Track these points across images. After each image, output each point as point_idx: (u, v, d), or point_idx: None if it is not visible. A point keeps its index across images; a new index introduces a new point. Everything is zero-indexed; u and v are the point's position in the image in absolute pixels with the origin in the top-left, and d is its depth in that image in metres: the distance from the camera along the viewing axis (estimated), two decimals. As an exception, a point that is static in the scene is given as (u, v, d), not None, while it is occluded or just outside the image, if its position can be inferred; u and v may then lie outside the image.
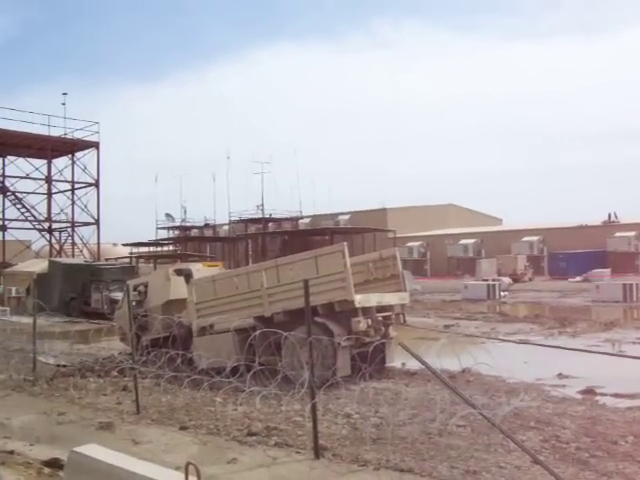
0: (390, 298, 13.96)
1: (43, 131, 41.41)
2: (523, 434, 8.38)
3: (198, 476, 3.02)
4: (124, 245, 68.37)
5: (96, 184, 43.31)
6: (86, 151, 43.78)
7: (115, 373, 14.09)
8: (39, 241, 47.32)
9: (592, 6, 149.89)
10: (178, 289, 16.05)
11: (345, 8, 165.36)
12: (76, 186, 44.36)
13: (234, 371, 11.59)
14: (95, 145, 43.41)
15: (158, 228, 77.65)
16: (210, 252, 78.92)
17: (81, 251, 44.36)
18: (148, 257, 67.10)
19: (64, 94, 45.68)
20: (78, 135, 43.72)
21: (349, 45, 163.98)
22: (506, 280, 44.30)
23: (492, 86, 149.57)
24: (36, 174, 43.70)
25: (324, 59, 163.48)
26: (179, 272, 16.43)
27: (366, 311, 13.10)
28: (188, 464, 3.06)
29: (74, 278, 31.56)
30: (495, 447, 7.90)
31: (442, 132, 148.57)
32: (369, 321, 13.07)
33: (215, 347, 13.67)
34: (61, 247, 44.46)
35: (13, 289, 35.74)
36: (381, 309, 13.64)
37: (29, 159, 43.40)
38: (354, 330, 12.79)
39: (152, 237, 76.44)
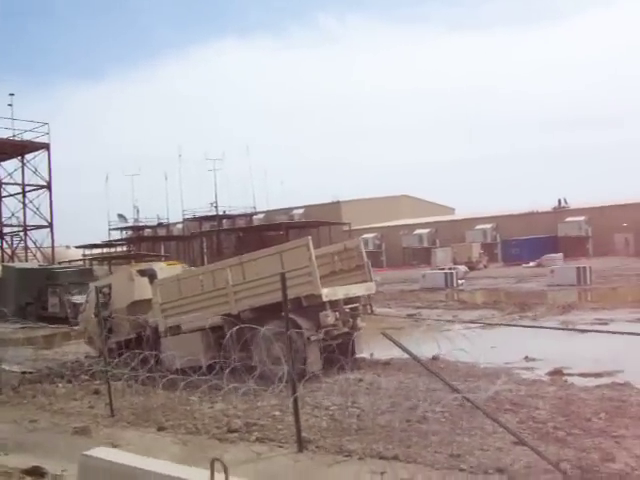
0: (357, 289, 14.01)
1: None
2: (500, 416, 8.52)
3: (225, 472, 3.01)
4: (77, 247, 67.18)
5: (48, 186, 42.36)
6: (36, 153, 42.79)
7: (84, 377, 13.91)
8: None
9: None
10: (142, 290, 15.84)
11: (290, 4, 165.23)
12: (27, 189, 43.36)
13: (199, 370, 11.55)
14: (46, 146, 42.39)
15: (111, 229, 76.61)
16: (164, 251, 78.23)
17: (34, 255, 43.41)
18: (102, 259, 66.10)
19: (11, 95, 44.66)
20: (27, 137, 42.75)
21: (296, 40, 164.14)
22: (462, 268, 44.92)
23: (440, 77, 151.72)
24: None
25: (272, 55, 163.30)
26: (142, 273, 16.22)
27: (334, 304, 13.12)
28: (214, 460, 3.06)
29: (29, 283, 30.90)
30: (475, 431, 8.05)
31: (393, 124, 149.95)
32: (337, 314, 13.10)
33: (183, 347, 13.54)
34: (13, 252, 43.43)
35: (-35, 296, 34.69)
36: (348, 301, 13.71)
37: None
38: (323, 324, 12.81)
39: (105, 238, 75.43)
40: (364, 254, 14.74)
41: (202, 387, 9.81)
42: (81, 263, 56.84)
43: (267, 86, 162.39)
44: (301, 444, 7.85)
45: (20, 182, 43.32)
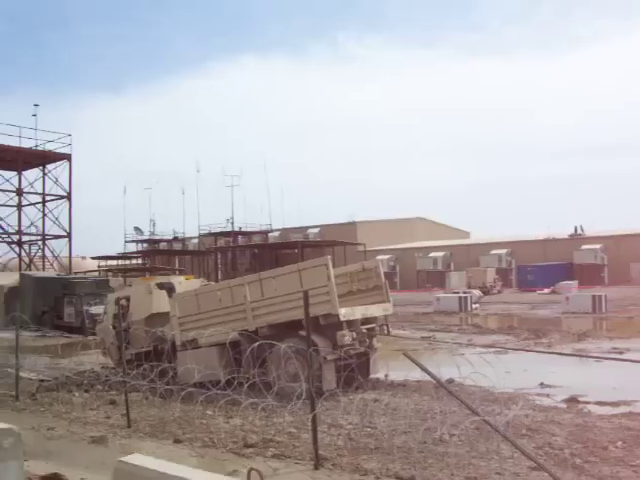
0: (374, 310, 14.08)
1: (13, 142, 40.96)
2: (517, 442, 8.53)
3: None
4: (93, 258, 67.62)
5: (68, 197, 42.75)
6: (58, 163, 43.27)
7: (100, 387, 14.02)
8: (3, 254, 46.47)
9: (552, 24, 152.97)
10: (160, 303, 15.98)
11: (310, 23, 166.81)
12: (47, 198, 43.78)
13: (217, 384, 11.63)
14: (67, 157, 42.81)
15: (127, 241, 77.07)
16: (179, 265, 78.61)
17: (52, 264, 43.74)
18: (117, 270, 66.48)
19: (35, 105, 45.22)
20: (49, 147, 43.24)
21: (314, 59, 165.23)
22: (476, 292, 44.84)
23: (458, 100, 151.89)
24: (5, 186, 43.14)
25: (290, 73, 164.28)
26: (161, 286, 16.36)
27: (351, 324, 13.18)
28: (250, 469, 3.14)
29: (46, 292, 31.16)
30: (492, 455, 8.07)
31: (410, 145, 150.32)
32: (354, 334, 13.16)
33: (200, 361, 13.60)
34: (31, 260, 43.78)
35: (-18, 303, 35.00)
36: (365, 321, 13.77)
37: (-1, 171, 42.90)
38: (339, 343, 12.84)
39: (120, 250, 75.96)
40: (382, 275, 14.82)
41: (220, 402, 9.84)
42: (96, 274, 57.16)
43: (285, 103, 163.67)
44: (318, 461, 7.88)
45: (40, 192, 43.83)
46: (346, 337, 12.87)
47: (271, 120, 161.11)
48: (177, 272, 67.96)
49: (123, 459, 3.60)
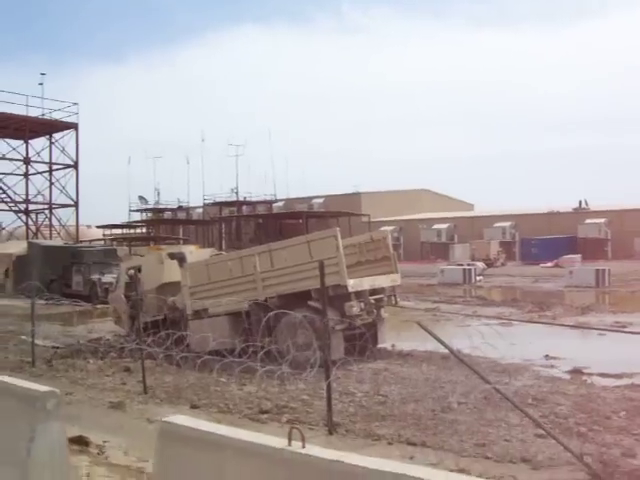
0: (382, 281, 14.29)
1: (20, 111, 41.02)
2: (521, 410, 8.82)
3: (302, 440, 3.32)
4: (98, 227, 67.92)
5: (75, 166, 42.88)
6: (65, 132, 43.37)
7: (114, 354, 14.35)
8: (11, 223, 46.75)
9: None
10: (171, 272, 16.21)
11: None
12: (54, 167, 43.92)
13: (229, 353, 11.93)
14: (74, 126, 42.96)
15: (131, 210, 77.29)
16: (183, 235, 78.79)
17: (59, 233, 44.04)
18: (122, 239, 66.80)
19: (42, 74, 45.29)
20: (56, 116, 43.35)
21: (318, 28, 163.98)
22: (480, 265, 45.00)
23: (464, 72, 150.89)
24: (13, 155, 43.28)
25: (293, 42, 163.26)
26: (172, 256, 16.57)
27: (359, 295, 13.42)
28: (292, 428, 3.38)
29: (54, 260, 31.43)
30: (499, 422, 8.36)
31: (414, 117, 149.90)
32: (362, 305, 13.41)
33: (210, 329, 13.86)
34: (38, 229, 44.07)
35: (-9, 271, 35.41)
36: (373, 292, 14.01)
37: (6, 140, 42.91)
38: (347, 314, 13.10)
39: (125, 219, 76.16)
40: (390, 246, 15.03)
41: (236, 369, 10.13)
42: (102, 243, 57.47)
43: (289, 73, 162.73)
44: (332, 427, 8.18)
45: (47, 160, 43.97)
46: (354, 308, 13.13)
47: (275, 90, 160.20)
48: (181, 241, 68.27)
49: (167, 419, 3.83)
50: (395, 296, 14.65)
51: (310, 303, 13.13)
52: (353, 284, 13.12)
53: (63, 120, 43.26)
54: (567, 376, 11.78)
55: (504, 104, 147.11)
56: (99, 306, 26.32)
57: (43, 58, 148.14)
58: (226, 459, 3.30)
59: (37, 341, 15.44)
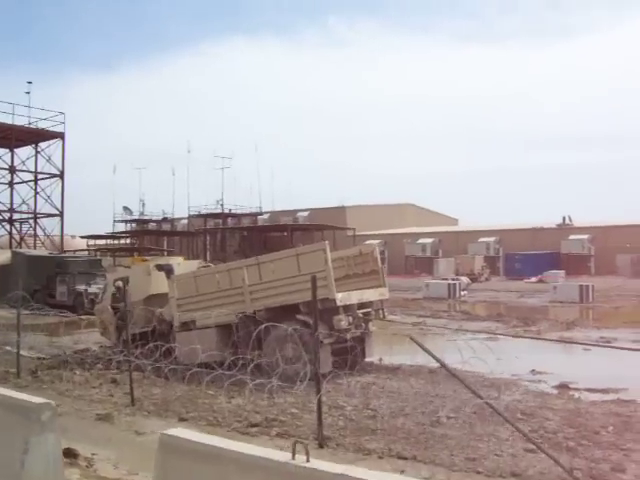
0: (370, 294, 14.30)
1: (6, 120, 40.75)
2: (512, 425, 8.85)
3: (307, 454, 3.33)
4: (82, 237, 67.52)
5: (61, 175, 42.64)
6: (51, 141, 43.17)
7: (100, 366, 14.24)
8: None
9: (545, 13, 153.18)
10: (159, 284, 16.13)
11: (301, 5, 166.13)
12: (39, 177, 43.65)
13: (218, 365, 11.89)
14: (60, 136, 42.68)
15: (115, 221, 76.94)
16: (168, 246, 78.64)
17: (43, 243, 43.71)
18: (106, 250, 66.45)
19: (29, 82, 45.07)
20: (42, 125, 43.14)
21: (306, 42, 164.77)
22: (465, 280, 45.20)
23: (449, 87, 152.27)
24: (-3, 164, 43.00)
25: (282, 55, 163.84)
26: (160, 267, 16.50)
27: (347, 308, 13.42)
28: (295, 442, 3.38)
29: (39, 270, 31.14)
30: (489, 437, 8.39)
31: (400, 132, 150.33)
32: (350, 318, 13.42)
33: (198, 342, 13.81)
34: (22, 238, 43.72)
35: (-26, 280, 34.94)
36: (361, 305, 14.02)
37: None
38: (336, 327, 13.09)
39: (109, 230, 75.80)
40: (379, 260, 15.06)
41: (226, 382, 10.08)
42: (86, 253, 57.15)
43: (277, 86, 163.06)
44: (322, 441, 8.17)
45: (33, 170, 43.68)
46: (342, 321, 13.12)
47: (263, 102, 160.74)
48: (165, 253, 68.10)
49: (167, 432, 3.82)
50: (383, 310, 14.67)
51: (298, 317, 13.12)
52: (342, 298, 13.12)
53: (49, 129, 43.07)
54: (554, 391, 11.86)
55: (490, 120, 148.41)
56: (84, 317, 26.19)
57: (32, 67, 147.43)
58: (229, 473, 3.29)
59: (22, 352, 15.30)
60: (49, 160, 43.07)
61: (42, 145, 43.64)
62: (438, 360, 7.03)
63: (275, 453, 3.37)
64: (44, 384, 12.98)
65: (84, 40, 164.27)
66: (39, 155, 43.63)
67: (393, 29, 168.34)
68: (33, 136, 42.92)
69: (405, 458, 7.65)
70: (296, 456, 3.35)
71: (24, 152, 44.55)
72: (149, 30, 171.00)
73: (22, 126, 42.12)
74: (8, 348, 16.76)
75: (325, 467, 3.12)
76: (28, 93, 43.68)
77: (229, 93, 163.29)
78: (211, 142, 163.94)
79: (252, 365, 10.06)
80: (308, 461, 3.24)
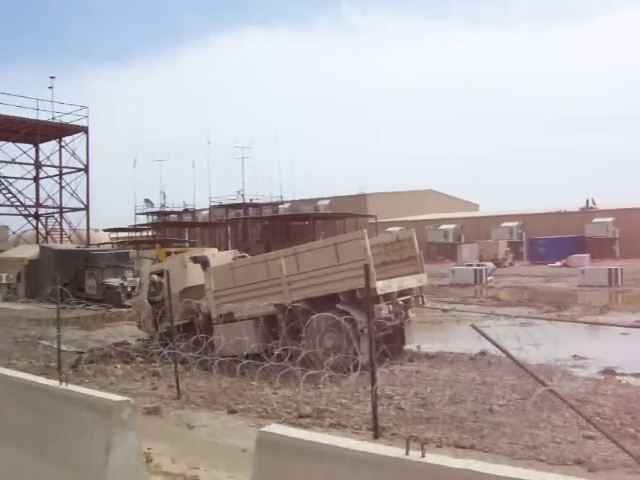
0: (409, 281, 14.21)
1: (31, 115, 41.02)
2: (565, 412, 8.76)
3: (422, 449, 3.25)
4: (105, 230, 67.88)
5: (85, 169, 42.88)
6: (75, 135, 43.38)
7: (140, 359, 14.31)
8: (21, 227, 46.69)
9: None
10: (194, 276, 16.16)
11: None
12: (64, 171, 43.93)
13: (255, 357, 11.91)
14: (84, 129, 42.99)
15: (137, 213, 77.18)
16: (189, 237, 78.80)
17: (69, 237, 44.00)
18: (129, 243, 66.74)
19: (52, 77, 45.43)
20: (66, 119, 43.38)
21: (319, 30, 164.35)
22: (490, 265, 44.95)
23: (464, 71, 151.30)
24: (23, 158, 43.29)
25: (296, 44, 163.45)
26: (195, 259, 16.53)
27: (387, 296, 13.35)
28: (410, 437, 3.32)
29: (67, 264, 31.23)
30: (543, 424, 8.32)
31: (416, 117, 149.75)
32: (390, 307, 13.36)
33: (236, 334, 13.80)
34: (47, 232, 44.03)
35: (3, 275, 35.29)
36: (401, 292, 13.94)
37: (16, 143, 42.90)
38: (377, 316, 13.02)
39: (131, 222, 76.05)
40: (416, 245, 14.92)
41: (278, 374, 10.08)
42: (109, 246, 57.44)
43: (292, 75, 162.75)
44: (377, 431, 8.13)
45: (57, 164, 43.91)
46: (383, 310, 13.04)
47: (279, 91, 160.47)
48: (187, 244, 68.28)
49: (264, 429, 3.78)
50: (422, 296, 14.61)
51: (339, 306, 13.10)
52: (382, 286, 13.03)
53: (73, 123, 43.25)
54: (601, 377, 11.74)
55: (507, 103, 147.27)
56: (113, 310, 26.40)
57: (47, 62, 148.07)
58: (335, 470, 3.22)
59: (63, 346, 15.42)
60: (73, 154, 43.34)
61: (66, 139, 43.93)
62: (501, 349, 6.93)
63: (386, 449, 3.31)
64: (87, 378, 13.03)
65: (99, 34, 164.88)
66: (63, 149, 43.93)
67: (405, 14, 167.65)
68: (57, 131, 43.11)
69: (464, 447, 7.60)
70: (410, 452, 3.28)
71: (48, 147, 44.91)
72: (162, 23, 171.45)
73: (46, 121, 42.28)
74: (46, 343, 16.90)
75: (444, 462, 3.05)
76: (51, 88, 43.91)
77: (245, 83, 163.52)
78: (230, 133, 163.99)
79: (301, 356, 10.04)
80: (423, 456, 3.18)
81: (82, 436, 4.61)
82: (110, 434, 4.44)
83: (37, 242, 40.99)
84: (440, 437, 7.96)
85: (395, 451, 3.24)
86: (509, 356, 6.95)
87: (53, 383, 5.42)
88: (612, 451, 7.03)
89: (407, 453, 3.19)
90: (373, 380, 8.13)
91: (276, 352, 10.60)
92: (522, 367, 7.03)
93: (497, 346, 6.90)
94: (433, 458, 3.11)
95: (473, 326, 7.12)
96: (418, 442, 7.72)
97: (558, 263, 51.40)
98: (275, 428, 3.83)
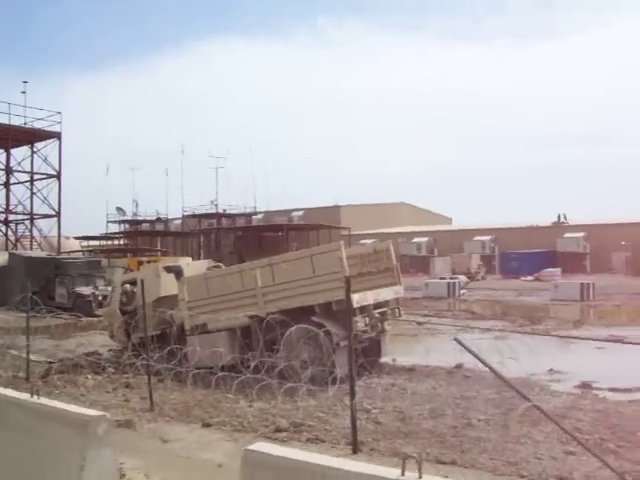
0: (386, 293, 14.08)
1: (2, 120, 40.28)
2: (545, 427, 8.70)
3: (419, 470, 3.12)
4: (76, 238, 66.99)
5: (57, 176, 42.17)
6: (47, 141, 42.71)
7: (112, 370, 14.00)
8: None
9: (533, 13, 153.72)
10: (168, 286, 15.90)
11: (290, 4, 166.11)
12: (36, 177, 43.17)
13: (230, 369, 11.70)
14: (57, 135, 42.19)
15: (109, 222, 76.27)
16: (161, 246, 78.16)
17: (39, 244, 43.22)
18: (100, 251, 65.95)
19: (25, 82, 44.53)
20: (39, 125, 42.67)
21: (297, 42, 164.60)
22: (464, 278, 45.15)
23: (438, 85, 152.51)
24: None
25: (274, 55, 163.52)
26: (169, 269, 16.29)
27: (363, 309, 13.22)
28: (406, 457, 3.18)
29: (37, 272, 30.59)
30: (524, 439, 8.24)
31: (390, 130, 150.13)
32: (367, 319, 13.24)
33: (210, 345, 13.58)
34: (17, 239, 43.22)
35: (-29, 283, 34.46)
36: (377, 305, 13.82)
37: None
38: (353, 329, 12.89)
39: (102, 230, 75.14)
40: (394, 257, 14.82)
41: (255, 386, 9.89)
42: (80, 254, 56.64)
43: (269, 85, 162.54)
44: (356, 446, 7.98)
45: (29, 170, 43.21)
46: (359, 323, 12.88)
47: (256, 102, 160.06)
48: (159, 253, 67.65)
49: (250, 448, 3.61)
50: (399, 308, 14.50)
51: (314, 318, 12.94)
52: (358, 299, 12.87)
53: (46, 129, 42.59)
54: (577, 391, 11.73)
55: (478, 119, 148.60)
56: (83, 319, 25.93)
57: (24, 68, 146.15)
58: (327, 491, 3.09)
59: (32, 356, 15.06)
60: (45, 160, 42.65)
61: (38, 145, 43.17)
62: (484, 363, 6.86)
63: (379, 469, 3.17)
64: (56, 389, 12.70)
65: (75, 41, 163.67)
66: (35, 155, 43.19)
67: (382, 28, 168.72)
68: (29, 136, 42.40)
69: (444, 463, 7.48)
70: (406, 472, 3.14)
71: (20, 152, 44.16)
72: (140, 30, 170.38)
73: (18, 126, 41.54)
74: (14, 352, 16.48)
75: (442, 484, 2.90)
76: (24, 92, 43.22)
77: (222, 93, 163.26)
78: (205, 142, 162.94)
79: (278, 369, 9.86)
80: (420, 477, 3.05)
81: (55, 453, 4.39)
82: (85, 451, 4.23)
83: (6, 249, 40.16)
84: (419, 452, 7.81)
85: (389, 472, 3.09)
86: (493, 371, 6.87)
87: (24, 396, 5.19)
88: (594, 467, 6.97)
89: (403, 474, 3.04)
90: (352, 394, 8.00)
91: (252, 364, 10.41)
92: (506, 382, 6.95)
93: (480, 360, 6.82)
94: (430, 479, 2.96)
95: (456, 340, 7.03)
96: (397, 456, 7.56)
97: (530, 277, 51.86)
98: (261, 446, 3.66)
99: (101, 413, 4.53)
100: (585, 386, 12.01)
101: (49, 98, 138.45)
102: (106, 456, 4.32)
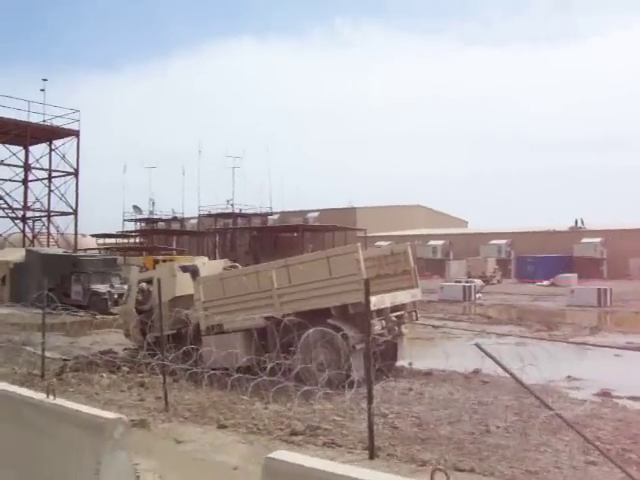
0: (403, 296, 13.94)
1: (22, 117, 40.65)
2: (565, 436, 8.56)
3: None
4: (92, 236, 67.33)
5: (75, 173, 42.44)
6: (66, 139, 42.99)
7: (126, 368, 13.97)
8: (7, 230, 46.10)
9: (551, 16, 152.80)
10: (184, 286, 15.86)
11: (307, 6, 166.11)
12: (54, 174, 43.45)
13: (245, 370, 11.64)
14: (75, 133, 42.66)
15: (125, 220, 76.61)
16: (177, 245, 78.32)
17: (56, 241, 43.45)
18: (116, 249, 66.23)
19: (44, 80, 44.96)
20: (57, 122, 43.01)
21: (313, 43, 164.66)
22: (479, 282, 44.83)
23: (455, 89, 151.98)
24: (12, 160, 42.78)
25: (290, 56, 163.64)
26: (185, 269, 16.26)
27: (380, 312, 13.10)
28: (435, 470, 3.08)
29: (53, 269, 30.75)
30: (543, 447, 8.10)
31: (405, 133, 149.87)
32: (384, 322, 13.12)
33: (225, 346, 13.52)
34: (34, 236, 43.48)
35: (-13, 279, 34.71)
36: (394, 308, 13.70)
37: (6, 145, 42.42)
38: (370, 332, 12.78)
39: (119, 229, 75.52)
40: (411, 259, 14.68)
41: (272, 389, 9.80)
42: (96, 252, 56.93)
43: (285, 87, 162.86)
44: (373, 452, 7.87)
45: (47, 167, 43.50)
46: (376, 326, 12.77)
47: (272, 103, 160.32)
48: (175, 252, 67.81)
49: (271, 456, 3.52)
50: (416, 312, 14.35)
51: (330, 321, 12.84)
52: (375, 302, 12.73)
53: (64, 127, 42.86)
54: (597, 399, 11.53)
55: (495, 123, 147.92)
56: (98, 316, 26.05)
57: (39, 67, 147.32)
58: (349, 503, 2.98)
59: (47, 353, 15.06)
60: (64, 158, 42.88)
61: (57, 143, 43.45)
62: (506, 369, 6.74)
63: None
64: (71, 387, 12.70)
65: (92, 40, 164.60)
66: (53, 153, 43.45)
67: (399, 30, 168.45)
68: (48, 133, 42.66)
69: (463, 470, 7.35)
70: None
71: (38, 150, 44.49)
72: (155, 31, 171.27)
73: (37, 123, 41.82)
74: (30, 349, 16.52)
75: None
76: (43, 90, 43.53)
77: (238, 94, 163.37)
78: (221, 142, 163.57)
79: (295, 372, 9.78)
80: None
81: (70, 455, 4.32)
82: (101, 454, 4.15)
83: (23, 246, 40.43)
84: (437, 459, 7.71)
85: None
86: (514, 377, 6.74)
87: (39, 396, 5.12)
88: (616, 478, 6.83)
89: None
90: (370, 398, 7.90)
91: (269, 366, 10.33)
92: (528, 389, 6.82)
93: (502, 367, 6.69)
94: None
95: (477, 345, 6.91)
96: (414, 463, 7.45)
97: (546, 282, 51.39)
98: (283, 454, 3.57)
99: (118, 415, 4.45)
100: (605, 394, 11.82)
101: (63, 97, 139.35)
102: (122, 460, 4.24)
